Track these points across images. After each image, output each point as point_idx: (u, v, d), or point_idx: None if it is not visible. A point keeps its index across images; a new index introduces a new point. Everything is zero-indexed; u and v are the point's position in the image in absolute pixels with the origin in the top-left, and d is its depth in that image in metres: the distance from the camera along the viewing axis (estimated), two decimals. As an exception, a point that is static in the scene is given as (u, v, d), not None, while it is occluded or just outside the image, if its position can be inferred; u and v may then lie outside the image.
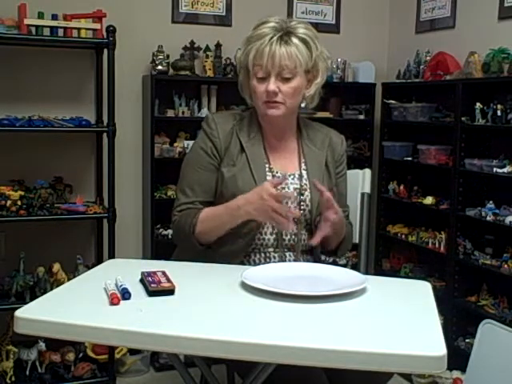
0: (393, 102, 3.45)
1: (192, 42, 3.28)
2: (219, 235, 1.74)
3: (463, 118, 2.92)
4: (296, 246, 1.81)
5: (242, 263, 1.77)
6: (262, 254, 1.78)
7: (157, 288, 1.41)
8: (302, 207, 1.80)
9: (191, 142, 1.99)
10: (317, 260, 1.87)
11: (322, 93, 1.85)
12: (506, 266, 2.72)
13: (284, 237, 1.79)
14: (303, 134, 1.88)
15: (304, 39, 1.74)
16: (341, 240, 1.85)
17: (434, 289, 1.59)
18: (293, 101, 1.76)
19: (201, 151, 1.82)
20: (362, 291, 1.48)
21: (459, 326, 3.00)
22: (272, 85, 1.71)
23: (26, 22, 2.73)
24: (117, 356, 2.99)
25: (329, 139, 1.90)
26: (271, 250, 1.79)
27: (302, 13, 3.57)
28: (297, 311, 1.35)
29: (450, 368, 2.86)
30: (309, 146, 1.86)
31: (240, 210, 1.66)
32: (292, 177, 1.82)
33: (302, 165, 1.85)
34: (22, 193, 2.74)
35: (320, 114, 3.34)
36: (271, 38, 1.71)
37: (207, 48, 3.29)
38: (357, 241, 2.03)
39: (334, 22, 3.69)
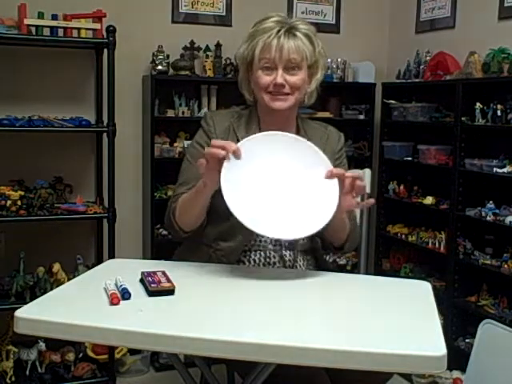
0: (393, 102, 3.45)
1: (192, 42, 3.28)
2: (196, 217, 1.71)
3: (463, 118, 2.92)
4: (295, 245, 1.81)
5: (243, 262, 1.77)
6: (262, 253, 1.78)
7: (157, 288, 1.41)
8: None
9: (191, 142, 2.00)
10: (317, 259, 1.87)
11: (319, 90, 1.85)
12: (506, 266, 2.72)
13: None
14: (301, 133, 1.88)
15: (307, 34, 1.76)
16: (347, 233, 1.84)
17: (434, 289, 1.60)
18: (299, 92, 1.76)
19: (198, 146, 1.83)
20: (363, 291, 1.48)
21: (459, 326, 3.00)
22: (280, 78, 1.71)
23: (26, 22, 2.73)
24: (117, 356, 2.99)
25: (327, 136, 1.90)
26: (270, 247, 1.79)
27: (302, 13, 3.58)
28: (297, 311, 1.35)
29: (450, 368, 2.86)
30: None
31: (201, 183, 1.63)
32: None
33: None
34: (22, 193, 2.74)
35: (320, 114, 3.34)
36: (278, 31, 1.72)
37: (207, 48, 3.29)
38: (357, 241, 2.03)
39: (333, 22, 3.69)
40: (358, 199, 1.64)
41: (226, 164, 1.54)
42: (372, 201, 1.67)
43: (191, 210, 1.71)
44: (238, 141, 1.79)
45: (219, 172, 1.54)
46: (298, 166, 1.62)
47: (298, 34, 1.73)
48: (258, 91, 1.78)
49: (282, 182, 1.61)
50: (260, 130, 1.83)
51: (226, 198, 1.52)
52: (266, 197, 1.59)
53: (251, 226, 1.53)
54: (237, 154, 1.56)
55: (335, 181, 1.59)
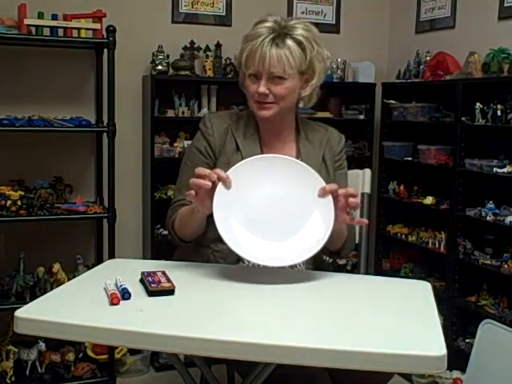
0: (393, 101, 3.45)
1: (192, 42, 3.28)
2: (194, 232, 1.73)
3: (463, 118, 2.92)
4: None
5: (242, 262, 1.77)
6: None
7: (157, 288, 1.41)
8: None
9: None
10: (316, 259, 1.86)
11: (319, 93, 1.84)
12: (505, 266, 2.72)
13: None
14: (301, 134, 1.87)
15: (299, 40, 1.72)
16: (344, 240, 1.84)
17: (434, 289, 1.59)
18: (285, 101, 1.75)
19: (196, 151, 1.83)
20: (363, 291, 1.47)
21: (459, 325, 3.00)
22: (262, 87, 1.71)
23: (26, 22, 2.73)
24: (117, 356, 2.99)
25: (327, 138, 1.89)
26: None
27: (302, 13, 3.57)
28: (297, 311, 1.35)
29: (450, 368, 2.86)
30: (306, 146, 1.86)
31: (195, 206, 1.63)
32: None
33: None
34: (22, 193, 2.74)
35: (320, 114, 3.34)
36: (263, 39, 1.70)
37: (207, 48, 3.29)
38: (357, 241, 2.03)
39: (333, 22, 3.69)
40: (357, 215, 1.63)
41: (217, 192, 1.52)
42: (365, 221, 1.70)
43: (189, 225, 1.72)
44: (236, 144, 1.80)
45: (211, 198, 1.53)
46: (292, 188, 1.59)
47: (287, 41, 1.70)
48: (248, 99, 1.79)
49: (275, 206, 1.59)
50: (258, 134, 1.84)
51: (219, 229, 1.51)
52: (261, 223, 1.57)
53: (249, 258, 1.52)
54: (226, 183, 1.54)
55: (329, 199, 1.56)
